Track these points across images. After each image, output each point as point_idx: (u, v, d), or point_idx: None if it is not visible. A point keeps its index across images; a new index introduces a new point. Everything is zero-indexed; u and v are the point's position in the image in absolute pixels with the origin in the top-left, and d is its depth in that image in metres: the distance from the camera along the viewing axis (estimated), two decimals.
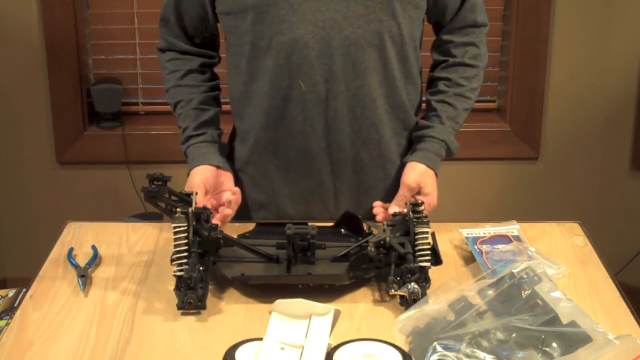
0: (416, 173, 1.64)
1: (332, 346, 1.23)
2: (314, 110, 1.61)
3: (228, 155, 1.74)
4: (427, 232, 1.41)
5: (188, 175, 1.66)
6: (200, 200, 1.54)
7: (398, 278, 1.39)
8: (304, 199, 1.70)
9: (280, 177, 1.69)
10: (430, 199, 1.61)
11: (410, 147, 1.71)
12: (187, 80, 1.71)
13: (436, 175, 1.67)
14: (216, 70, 1.78)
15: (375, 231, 1.50)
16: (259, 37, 1.58)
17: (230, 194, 1.59)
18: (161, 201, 1.46)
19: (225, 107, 1.77)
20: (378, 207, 1.64)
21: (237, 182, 1.76)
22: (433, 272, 1.41)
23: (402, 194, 1.63)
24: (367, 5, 1.56)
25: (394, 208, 1.60)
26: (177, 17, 1.70)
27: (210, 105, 1.71)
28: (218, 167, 1.65)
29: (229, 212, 1.56)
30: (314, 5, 1.55)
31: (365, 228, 1.55)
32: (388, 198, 1.70)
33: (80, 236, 1.62)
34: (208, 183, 1.61)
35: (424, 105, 1.75)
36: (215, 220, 1.52)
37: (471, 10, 1.68)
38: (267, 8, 1.55)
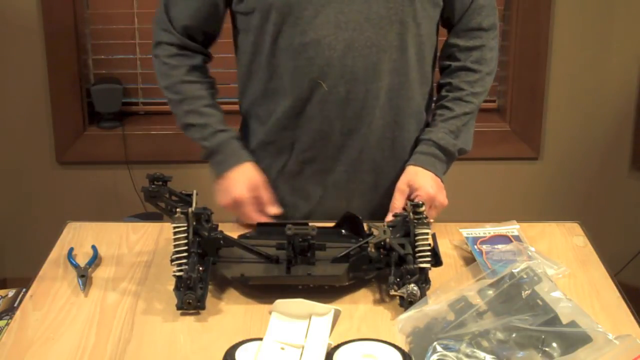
0: (403, 176, 1.64)
1: (332, 346, 1.23)
2: (333, 111, 1.61)
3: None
4: (427, 234, 1.41)
5: (219, 172, 1.65)
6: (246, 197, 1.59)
7: (398, 279, 1.38)
8: (316, 199, 1.70)
9: (294, 177, 1.69)
10: (421, 192, 1.60)
11: None
12: (193, 77, 1.69)
13: (435, 174, 1.64)
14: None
15: (375, 232, 1.50)
16: (280, 36, 1.58)
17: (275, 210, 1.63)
18: (161, 201, 1.46)
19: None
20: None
21: None
22: (433, 272, 1.40)
23: (393, 198, 1.63)
24: (389, 7, 1.56)
25: (388, 216, 1.60)
26: (180, 13, 1.66)
27: (216, 103, 1.71)
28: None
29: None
30: (336, 7, 1.55)
31: (365, 229, 1.55)
32: None
33: (80, 236, 1.62)
34: (253, 183, 1.62)
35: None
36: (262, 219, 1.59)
37: (477, 12, 1.67)
38: (291, 9, 1.56)
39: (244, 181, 1.62)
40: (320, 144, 1.65)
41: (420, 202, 1.48)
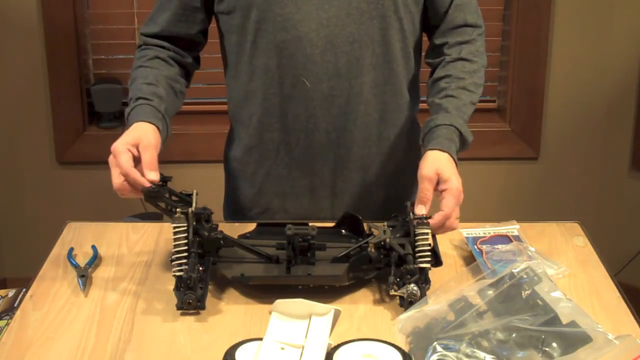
0: (430, 161, 1.50)
1: (332, 346, 1.23)
2: (318, 108, 1.61)
3: (224, 156, 1.75)
4: (427, 234, 1.41)
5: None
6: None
7: (398, 279, 1.38)
8: (304, 201, 1.70)
9: (280, 180, 1.69)
10: (450, 184, 1.48)
11: (415, 146, 1.66)
12: (152, 64, 1.64)
13: (455, 160, 1.53)
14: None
15: (375, 232, 1.50)
16: (262, 35, 1.58)
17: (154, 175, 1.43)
18: (161, 201, 1.46)
19: (222, 107, 1.77)
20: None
21: (232, 181, 1.77)
22: (433, 272, 1.40)
23: (422, 187, 1.48)
24: (369, 2, 1.56)
25: (420, 208, 1.45)
26: (159, 17, 1.67)
27: (165, 89, 1.61)
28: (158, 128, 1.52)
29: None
30: (317, 3, 1.55)
31: (365, 229, 1.55)
32: (390, 197, 1.69)
33: (80, 236, 1.62)
34: (137, 138, 1.46)
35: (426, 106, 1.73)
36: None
37: (460, 9, 1.63)
38: (271, 6, 1.55)
39: (129, 134, 1.47)
40: (306, 143, 1.64)
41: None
